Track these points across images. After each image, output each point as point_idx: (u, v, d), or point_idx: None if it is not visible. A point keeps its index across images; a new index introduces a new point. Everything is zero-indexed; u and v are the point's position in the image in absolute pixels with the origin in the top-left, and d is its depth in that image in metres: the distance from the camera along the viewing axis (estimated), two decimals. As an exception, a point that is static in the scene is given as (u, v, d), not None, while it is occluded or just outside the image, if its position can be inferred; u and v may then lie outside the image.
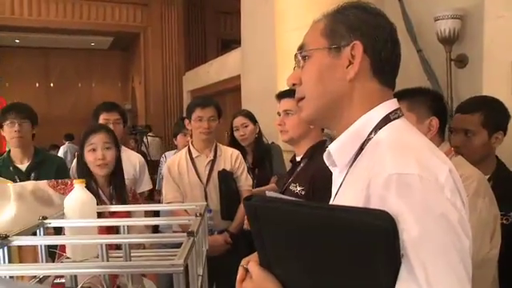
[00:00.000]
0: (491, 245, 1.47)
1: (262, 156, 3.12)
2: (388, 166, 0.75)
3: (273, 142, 3.35)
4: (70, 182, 1.90)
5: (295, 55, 0.99)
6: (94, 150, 2.01)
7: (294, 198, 1.15)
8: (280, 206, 0.81)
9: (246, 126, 3.08)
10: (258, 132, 3.14)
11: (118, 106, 3.04)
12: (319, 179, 1.76)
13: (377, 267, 0.70)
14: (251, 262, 0.86)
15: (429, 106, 1.62)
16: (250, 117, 3.15)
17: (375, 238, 0.68)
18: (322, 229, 0.73)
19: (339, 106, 0.90)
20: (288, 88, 2.00)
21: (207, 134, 2.66)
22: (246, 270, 0.87)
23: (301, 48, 0.97)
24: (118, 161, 2.11)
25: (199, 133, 2.66)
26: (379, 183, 0.74)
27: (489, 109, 1.82)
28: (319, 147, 1.87)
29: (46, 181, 1.84)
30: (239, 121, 3.10)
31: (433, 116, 1.60)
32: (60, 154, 7.96)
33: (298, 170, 1.93)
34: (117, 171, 2.09)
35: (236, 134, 3.11)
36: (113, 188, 2.06)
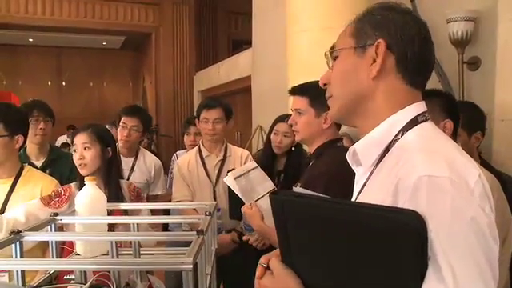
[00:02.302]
0: (503, 249, 1.46)
1: (293, 165, 2.84)
2: (418, 167, 0.75)
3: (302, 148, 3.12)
4: (63, 192, 1.94)
5: (325, 55, 1.00)
6: (75, 150, 2.02)
7: (321, 195, 1.13)
8: (309, 201, 0.80)
9: (287, 136, 2.80)
10: (295, 144, 2.84)
11: (140, 112, 2.98)
12: (311, 179, 1.75)
13: (403, 268, 0.69)
14: (273, 259, 0.85)
15: (443, 108, 1.62)
16: None
17: (404, 238, 0.68)
18: (350, 226, 0.72)
19: (364, 105, 0.91)
20: (299, 84, 1.95)
21: (212, 136, 2.67)
22: (265, 268, 0.86)
23: (332, 49, 0.98)
24: (111, 161, 2.07)
25: (205, 134, 2.70)
26: (409, 185, 0.74)
27: (466, 111, 1.89)
28: (328, 146, 1.83)
29: (39, 199, 1.91)
30: (283, 127, 2.79)
31: (447, 118, 1.60)
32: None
33: (307, 169, 1.89)
34: (109, 171, 2.06)
35: (273, 137, 2.87)
36: (109, 189, 2.02)
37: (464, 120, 1.85)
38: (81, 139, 2.02)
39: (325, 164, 1.74)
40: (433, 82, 3.06)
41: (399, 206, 0.75)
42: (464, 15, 2.98)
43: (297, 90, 1.90)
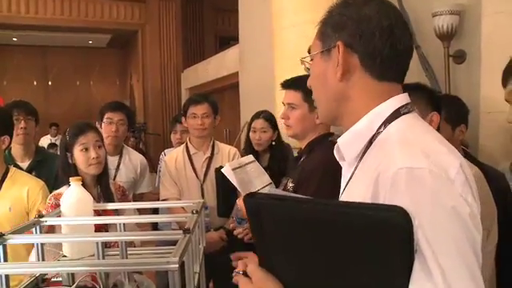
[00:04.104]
0: (488, 241, 1.47)
1: (277, 161, 2.90)
2: (397, 160, 0.74)
3: (283, 141, 3.16)
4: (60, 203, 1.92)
5: (301, 62, 1.01)
6: (86, 149, 1.98)
7: (298, 195, 1.10)
8: (284, 203, 0.77)
9: (265, 132, 2.86)
10: (275, 139, 2.92)
11: (124, 107, 2.98)
12: (304, 174, 1.74)
13: (390, 265, 0.68)
14: (250, 264, 0.84)
15: (428, 101, 1.63)
16: (272, 121, 2.91)
17: (390, 235, 0.67)
18: (330, 226, 0.71)
19: (342, 105, 0.90)
20: (292, 77, 1.91)
21: (201, 131, 2.67)
22: (243, 275, 0.85)
23: (309, 52, 0.98)
24: (106, 160, 2.11)
25: (194, 129, 2.68)
26: (388, 178, 0.73)
27: (449, 105, 1.91)
28: (320, 140, 1.81)
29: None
30: (259, 124, 2.88)
31: (433, 111, 1.61)
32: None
33: (298, 164, 1.87)
34: (103, 171, 2.08)
35: (252, 135, 2.91)
36: (100, 188, 2.04)
37: (447, 113, 1.88)
38: (93, 137, 2.01)
39: (317, 158, 1.73)
40: (419, 76, 3.09)
41: (380, 199, 0.74)
42: (449, 9, 3.00)
43: (290, 84, 1.84)
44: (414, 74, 3.14)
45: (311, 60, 0.96)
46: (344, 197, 0.90)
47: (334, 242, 0.71)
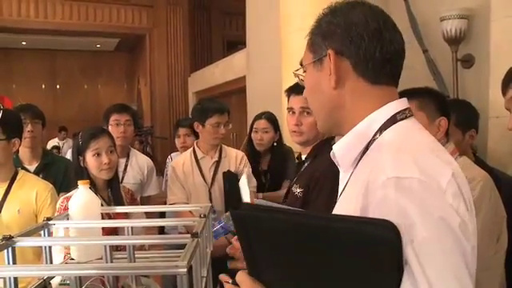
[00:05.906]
0: (497, 246, 1.46)
1: (277, 163, 2.97)
2: (387, 169, 0.73)
3: (284, 144, 3.21)
4: None
5: (294, 74, 1.02)
6: (98, 154, 1.99)
7: (285, 206, 1.08)
8: (269, 215, 0.75)
9: (267, 132, 2.92)
10: (277, 139, 2.98)
11: (128, 108, 3.03)
12: (315, 179, 1.72)
13: (379, 279, 0.67)
14: (240, 272, 0.82)
15: (438, 106, 1.62)
16: (273, 122, 2.97)
17: (379, 249, 0.65)
18: (317, 240, 0.69)
19: (338, 115, 0.90)
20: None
21: (220, 140, 2.67)
22: (232, 284, 0.84)
23: (301, 65, 0.99)
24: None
25: (214, 138, 2.64)
26: (377, 187, 0.72)
27: (460, 109, 1.91)
28: (324, 145, 1.78)
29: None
30: (261, 124, 2.95)
31: (442, 116, 1.60)
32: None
33: (302, 169, 1.85)
34: (114, 175, 2.08)
35: (253, 135, 2.96)
36: (111, 191, 2.04)
37: (458, 118, 1.87)
38: (106, 142, 2.01)
39: (326, 163, 1.71)
40: (427, 80, 3.08)
41: (369, 210, 0.73)
42: (457, 13, 2.99)
43: (298, 89, 1.77)
44: (422, 78, 3.13)
45: (304, 72, 0.96)
46: (338, 204, 0.89)
47: (321, 256, 0.69)
